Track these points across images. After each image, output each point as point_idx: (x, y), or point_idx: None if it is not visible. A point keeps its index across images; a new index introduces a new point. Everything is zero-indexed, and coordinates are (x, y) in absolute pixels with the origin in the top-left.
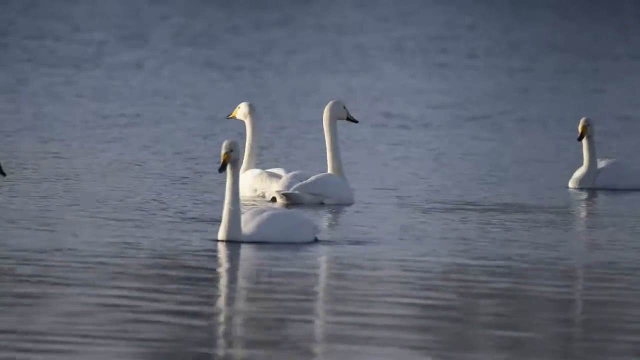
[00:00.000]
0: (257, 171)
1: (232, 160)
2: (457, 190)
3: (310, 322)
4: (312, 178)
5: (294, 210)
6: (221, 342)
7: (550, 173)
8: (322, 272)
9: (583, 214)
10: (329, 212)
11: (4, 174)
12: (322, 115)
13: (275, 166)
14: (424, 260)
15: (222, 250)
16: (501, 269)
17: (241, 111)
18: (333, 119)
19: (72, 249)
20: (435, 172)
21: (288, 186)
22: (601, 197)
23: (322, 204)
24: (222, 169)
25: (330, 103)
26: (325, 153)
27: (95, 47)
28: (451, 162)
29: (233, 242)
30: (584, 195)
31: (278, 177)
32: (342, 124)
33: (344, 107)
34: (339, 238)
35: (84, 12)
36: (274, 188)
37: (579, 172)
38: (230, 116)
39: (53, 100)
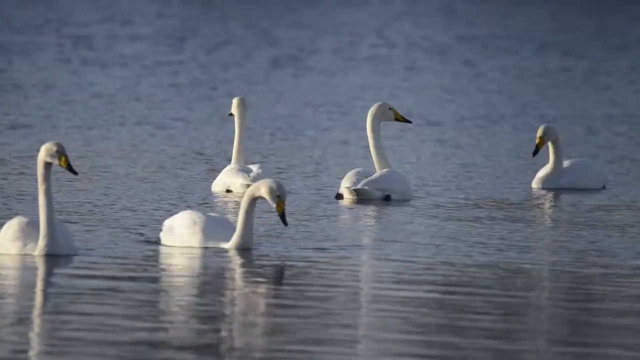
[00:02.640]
0: (230, 166)
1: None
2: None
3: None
4: (378, 174)
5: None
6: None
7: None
8: (318, 272)
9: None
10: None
11: (75, 173)
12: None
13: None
14: (420, 259)
15: (233, 257)
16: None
17: (233, 106)
18: (376, 121)
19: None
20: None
21: (355, 182)
22: (571, 197)
23: (388, 199)
24: (284, 220)
25: (374, 105)
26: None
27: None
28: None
29: (245, 250)
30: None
31: (248, 171)
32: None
33: (390, 109)
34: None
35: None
36: (238, 182)
37: (543, 172)
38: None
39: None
